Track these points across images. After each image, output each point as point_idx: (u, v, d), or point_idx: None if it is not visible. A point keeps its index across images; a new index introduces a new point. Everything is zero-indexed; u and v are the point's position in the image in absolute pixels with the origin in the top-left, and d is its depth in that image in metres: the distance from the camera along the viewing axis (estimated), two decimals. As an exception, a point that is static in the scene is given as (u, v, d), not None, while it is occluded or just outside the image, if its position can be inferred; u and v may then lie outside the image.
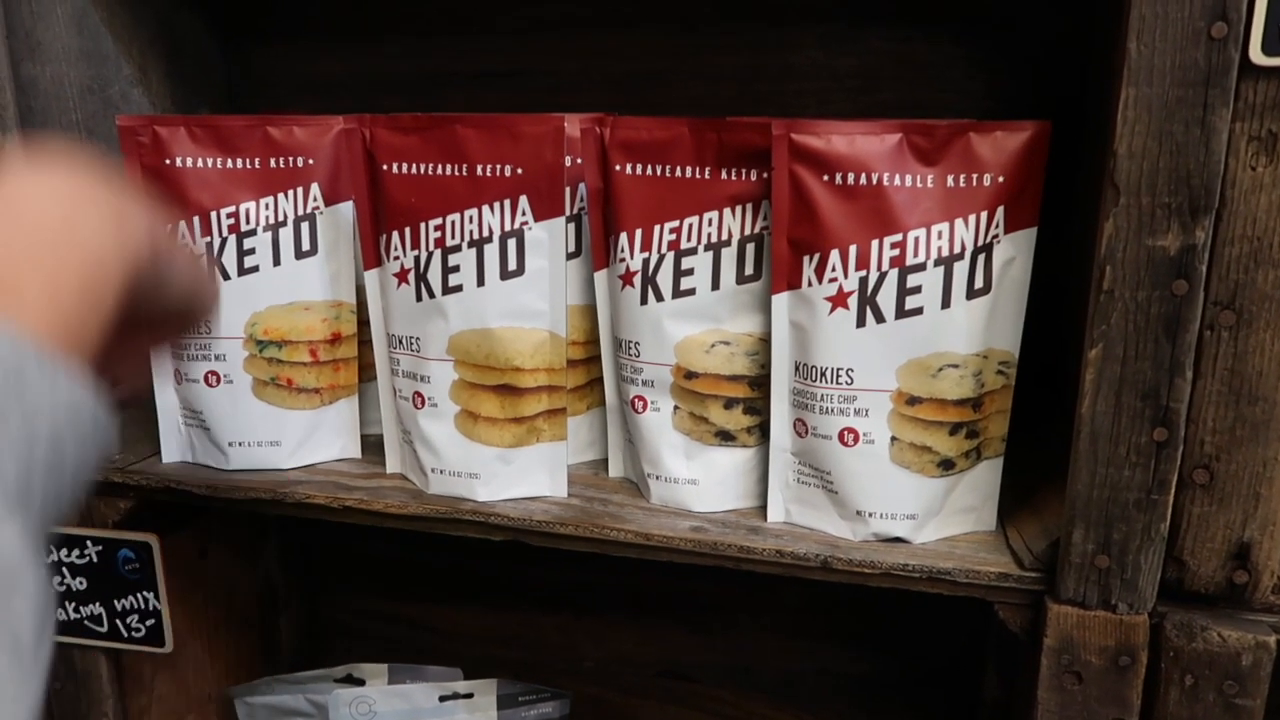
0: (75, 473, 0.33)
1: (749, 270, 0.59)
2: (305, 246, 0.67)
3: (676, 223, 0.60)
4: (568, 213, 0.62)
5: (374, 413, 0.70)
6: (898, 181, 0.54)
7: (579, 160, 0.64)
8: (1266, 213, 0.46)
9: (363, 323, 0.69)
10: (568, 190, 0.63)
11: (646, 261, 0.61)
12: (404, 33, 0.82)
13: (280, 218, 0.67)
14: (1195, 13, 0.44)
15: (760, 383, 0.60)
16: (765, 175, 0.57)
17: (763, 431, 0.61)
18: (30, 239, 0.34)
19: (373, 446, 0.70)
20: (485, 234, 0.60)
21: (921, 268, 0.54)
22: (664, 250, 0.60)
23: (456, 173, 0.60)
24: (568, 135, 0.62)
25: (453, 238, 0.61)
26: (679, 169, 0.60)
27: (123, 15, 0.73)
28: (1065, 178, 0.66)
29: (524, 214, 0.60)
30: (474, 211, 0.60)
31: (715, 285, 0.60)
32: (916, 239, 0.54)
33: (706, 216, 0.59)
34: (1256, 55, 0.44)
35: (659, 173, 0.60)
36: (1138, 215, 0.47)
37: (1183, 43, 0.44)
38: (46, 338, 0.32)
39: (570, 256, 0.65)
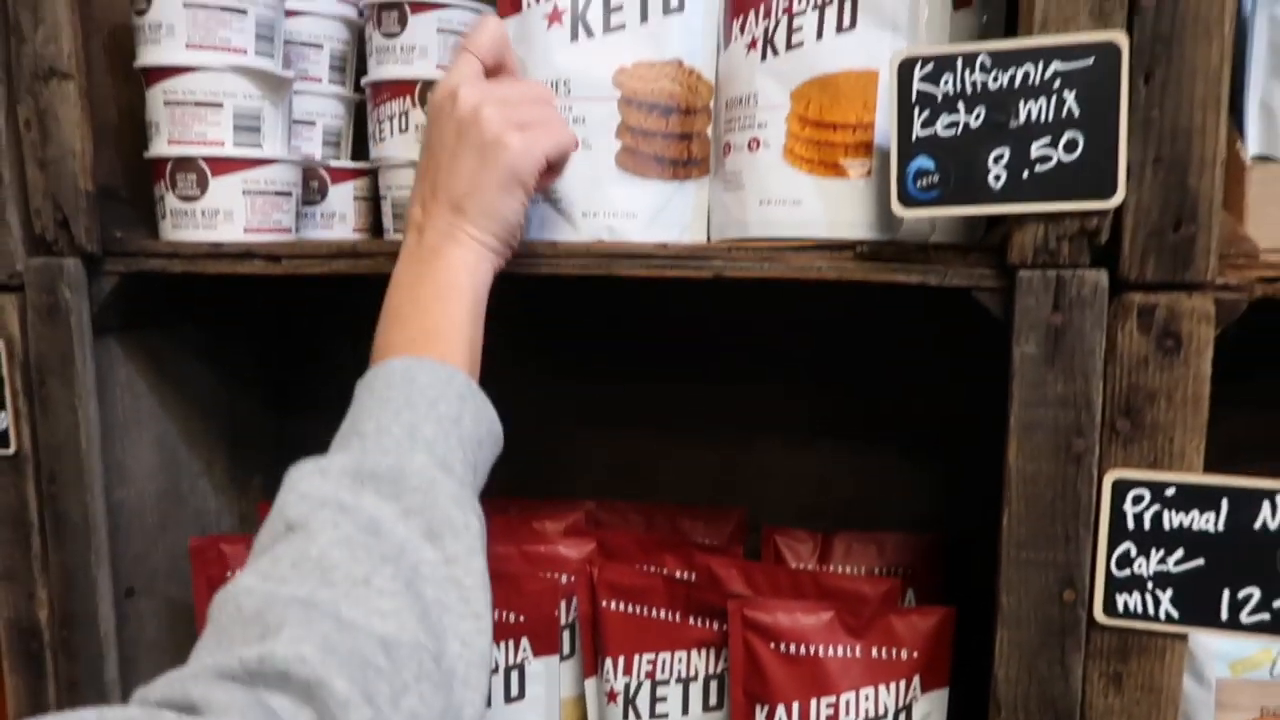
0: (488, 461, 0.58)
1: (713, 702, 0.70)
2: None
3: (653, 655, 0.71)
4: (563, 623, 0.75)
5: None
6: (831, 652, 0.66)
7: (573, 579, 0.76)
8: (1118, 734, 0.57)
9: None
10: (563, 603, 0.75)
11: (628, 685, 0.72)
12: (430, 408, 0.96)
13: (321, 617, 0.79)
14: (1050, 581, 0.56)
15: (723, 793, 0.71)
16: (725, 628, 0.69)
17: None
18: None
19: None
20: (492, 667, 0.72)
21: (853, 725, 0.65)
22: (642, 678, 0.71)
23: (470, 612, 0.72)
24: (564, 555, 0.75)
25: (465, 665, 0.72)
26: (655, 610, 0.72)
27: (196, 422, 0.88)
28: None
29: (525, 651, 0.72)
30: (484, 645, 0.72)
31: (685, 710, 0.71)
32: (848, 700, 0.65)
33: (677, 655, 0.71)
34: (1099, 616, 0.56)
35: (638, 612, 0.72)
36: (1016, 728, 0.58)
37: (1042, 601, 0.57)
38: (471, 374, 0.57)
39: (564, 658, 0.77)
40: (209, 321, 0.89)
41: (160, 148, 0.71)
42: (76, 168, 0.70)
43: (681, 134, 0.65)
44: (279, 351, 1.00)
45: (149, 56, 0.70)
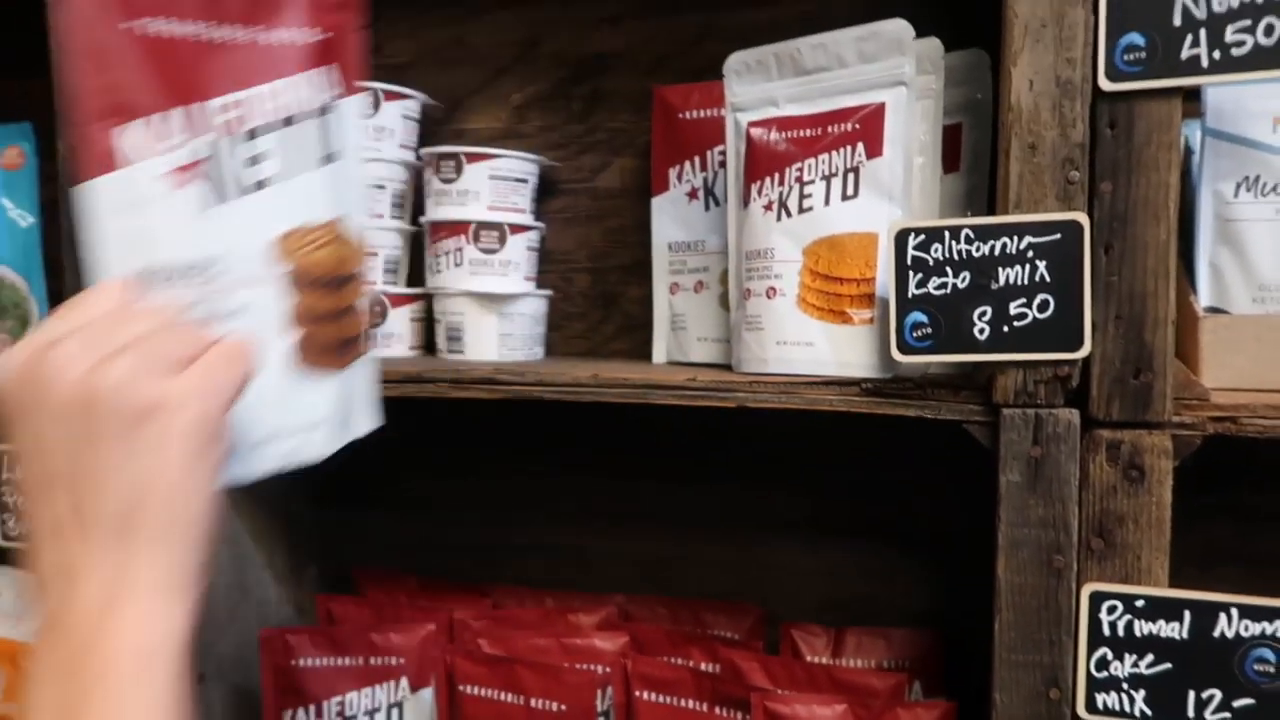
0: None
1: (737, 788, 0.77)
2: (394, 727, 0.86)
3: (685, 746, 0.79)
4: (599, 710, 0.82)
5: None
6: (846, 744, 0.73)
7: (608, 670, 0.83)
8: (1101, 822, 0.63)
9: (433, 784, 0.86)
10: (599, 692, 0.82)
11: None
12: (464, 509, 1.04)
13: (375, 705, 0.86)
14: (1038, 681, 0.64)
15: None
16: (749, 719, 0.76)
17: None
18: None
19: None
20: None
21: (864, 811, 0.72)
22: (673, 768, 0.79)
23: (516, 701, 0.80)
24: (599, 647, 0.83)
25: (512, 752, 0.79)
26: (684, 701, 0.79)
27: (260, 519, 0.96)
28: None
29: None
30: (529, 733, 0.79)
31: (711, 797, 0.78)
32: (860, 787, 0.72)
33: (706, 744, 0.78)
34: (1082, 713, 0.63)
35: (669, 702, 0.79)
36: (1010, 816, 0.64)
37: (1031, 699, 0.64)
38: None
39: (600, 745, 0.84)
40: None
41: (248, 284, 0.81)
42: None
43: (355, 307, 0.55)
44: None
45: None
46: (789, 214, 0.70)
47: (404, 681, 0.87)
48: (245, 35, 0.50)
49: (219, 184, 0.49)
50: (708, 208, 0.84)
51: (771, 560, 0.96)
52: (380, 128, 0.90)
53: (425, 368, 0.79)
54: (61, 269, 0.80)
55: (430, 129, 0.98)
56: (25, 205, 0.93)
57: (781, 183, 0.70)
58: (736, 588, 0.97)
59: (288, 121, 0.52)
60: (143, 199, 0.48)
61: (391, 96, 0.91)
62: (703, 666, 0.82)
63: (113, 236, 0.47)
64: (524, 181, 0.89)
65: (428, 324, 0.94)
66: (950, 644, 0.88)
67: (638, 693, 0.80)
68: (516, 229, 0.87)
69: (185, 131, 0.48)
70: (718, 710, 0.78)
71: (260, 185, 0.51)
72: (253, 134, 0.50)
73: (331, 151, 0.53)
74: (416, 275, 0.94)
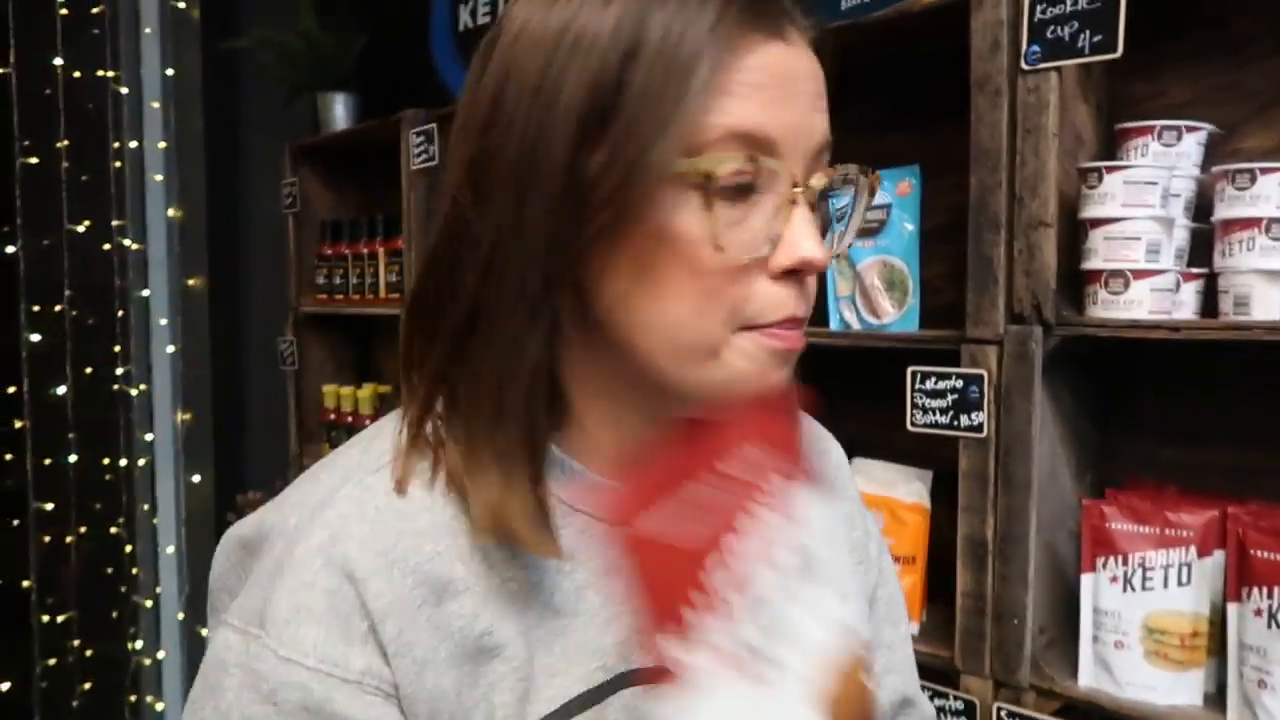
0: None
1: None
2: (1180, 579, 1.21)
3: None
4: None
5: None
6: None
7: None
8: None
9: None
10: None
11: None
12: (1213, 437, 1.34)
13: (1168, 562, 1.21)
14: None
15: None
16: None
17: None
18: None
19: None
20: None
21: None
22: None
23: (1303, 563, 1.09)
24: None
25: (1297, 598, 1.09)
26: None
27: (1066, 439, 1.37)
28: None
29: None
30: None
31: None
32: None
33: None
34: None
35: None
36: None
37: None
38: None
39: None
40: (1089, 369, 1.38)
41: (1096, 263, 1.22)
42: (1049, 276, 1.23)
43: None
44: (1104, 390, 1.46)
45: (1094, 211, 1.22)
46: None
47: (1192, 548, 1.21)
48: None
49: None
50: None
51: None
52: (1180, 153, 1.26)
53: (1235, 324, 1.12)
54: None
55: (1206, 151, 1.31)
56: (911, 219, 1.46)
57: None
58: None
59: None
60: None
61: (1190, 130, 1.26)
62: None
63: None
64: (1305, 186, 1.17)
65: (1204, 296, 1.27)
66: None
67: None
68: (1301, 221, 1.16)
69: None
70: None
71: None
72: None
73: None
74: (1194, 258, 1.28)
